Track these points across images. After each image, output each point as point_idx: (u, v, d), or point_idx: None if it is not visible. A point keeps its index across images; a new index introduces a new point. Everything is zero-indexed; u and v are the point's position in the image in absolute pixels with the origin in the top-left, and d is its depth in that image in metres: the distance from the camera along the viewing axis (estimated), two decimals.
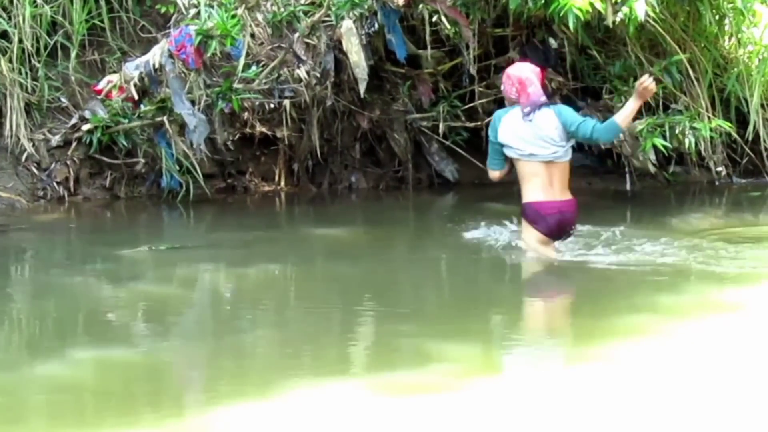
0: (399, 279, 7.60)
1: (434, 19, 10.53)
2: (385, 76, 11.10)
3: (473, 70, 10.73)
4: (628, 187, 11.24)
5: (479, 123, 11.29)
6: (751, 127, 11.19)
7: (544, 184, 7.76)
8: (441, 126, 11.15)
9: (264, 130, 11.00)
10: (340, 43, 10.34)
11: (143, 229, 9.86)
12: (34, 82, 10.76)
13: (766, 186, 11.29)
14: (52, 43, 10.88)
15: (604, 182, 11.56)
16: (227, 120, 10.74)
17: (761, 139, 11.27)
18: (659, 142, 10.28)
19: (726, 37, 11.43)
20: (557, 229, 7.85)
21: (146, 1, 11.46)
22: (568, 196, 7.89)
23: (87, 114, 10.60)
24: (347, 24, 10.15)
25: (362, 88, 10.32)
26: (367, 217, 10.16)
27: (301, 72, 10.62)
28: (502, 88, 8.08)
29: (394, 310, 6.68)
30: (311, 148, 10.99)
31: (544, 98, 7.89)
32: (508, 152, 7.80)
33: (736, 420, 4.64)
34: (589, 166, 11.74)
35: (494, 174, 7.97)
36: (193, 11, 10.73)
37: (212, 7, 10.24)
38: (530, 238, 7.86)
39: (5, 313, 6.72)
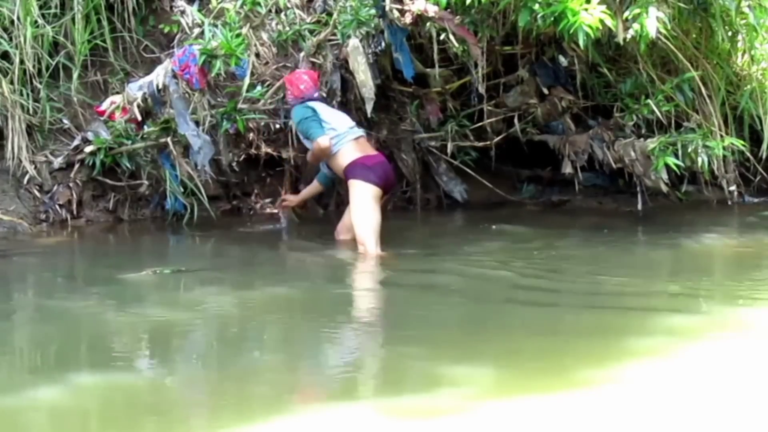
0: (407, 301, 7.47)
1: (442, 37, 10.41)
2: (393, 96, 11.01)
3: (482, 89, 10.61)
4: (639, 206, 11.11)
5: (488, 143, 11.23)
6: (764, 146, 11.15)
7: (357, 148, 8.87)
8: (449, 146, 11.08)
9: (269, 150, 10.92)
10: (347, 62, 10.24)
11: (147, 252, 9.73)
12: (36, 104, 10.66)
13: None
14: (53, 63, 10.80)
15: (615, 202, 11.48)
16: (232, 141, 10.66)
17: None
18: (671, 161, 10.19)
19: (739, 54, 11.37)
20: (385, 179, 8.78)
21: (149, 20, 11.41)
22: (376, 152, 9.08)
23: (90, 135, 10.50)
24: (354, 43, 10.06)
25: (369, 107, 10.19)
26: None
27: None
28: (289, 99, 9.35)
29: (403, 332, 6.56)
30: (317, 168, 10.87)
31: (317, 94, 9.18)
32: (340, 140, 8.88)
33: None
34: (600, 186, 11.67)
35: (326, 141, 8.85)
36: (196, 30, 10.68)
37: (216, 26, 10.15)
38: (365, 195, 8.65)
39: (7, 338, 6.59)
